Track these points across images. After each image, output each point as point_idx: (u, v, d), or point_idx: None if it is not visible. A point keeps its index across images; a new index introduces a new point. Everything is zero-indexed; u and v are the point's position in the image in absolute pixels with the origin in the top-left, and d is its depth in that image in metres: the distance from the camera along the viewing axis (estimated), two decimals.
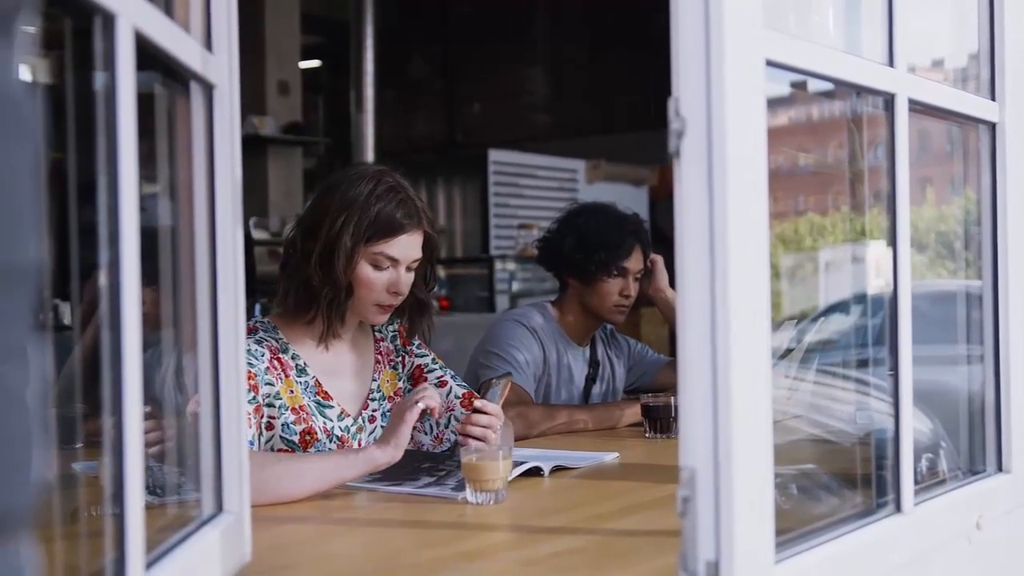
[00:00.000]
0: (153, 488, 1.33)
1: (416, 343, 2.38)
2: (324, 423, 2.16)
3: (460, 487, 1.87)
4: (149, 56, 1.09)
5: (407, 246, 2.16)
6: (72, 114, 1.07)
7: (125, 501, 0.99)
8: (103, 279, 1.00)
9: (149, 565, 1.07)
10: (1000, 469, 1.77)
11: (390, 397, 2.31)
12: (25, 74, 0.58)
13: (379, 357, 2.33)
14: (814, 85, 1.53)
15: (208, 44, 1.33)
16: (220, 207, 1.35)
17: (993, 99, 1.77)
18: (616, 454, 2.33)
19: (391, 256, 2.14)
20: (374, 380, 2.30)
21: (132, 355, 1.00)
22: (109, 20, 0.97)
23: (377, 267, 2.14)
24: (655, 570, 1.43)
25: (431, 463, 2.09)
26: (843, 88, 1.56)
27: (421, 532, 1.69)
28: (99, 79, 1.01)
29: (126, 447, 1.00)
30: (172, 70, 1.23)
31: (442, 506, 1.83)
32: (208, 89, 1.32)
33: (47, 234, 0.60)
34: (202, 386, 1.35)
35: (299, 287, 2.15)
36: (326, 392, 2.19)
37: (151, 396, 1.17)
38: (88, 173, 1.02)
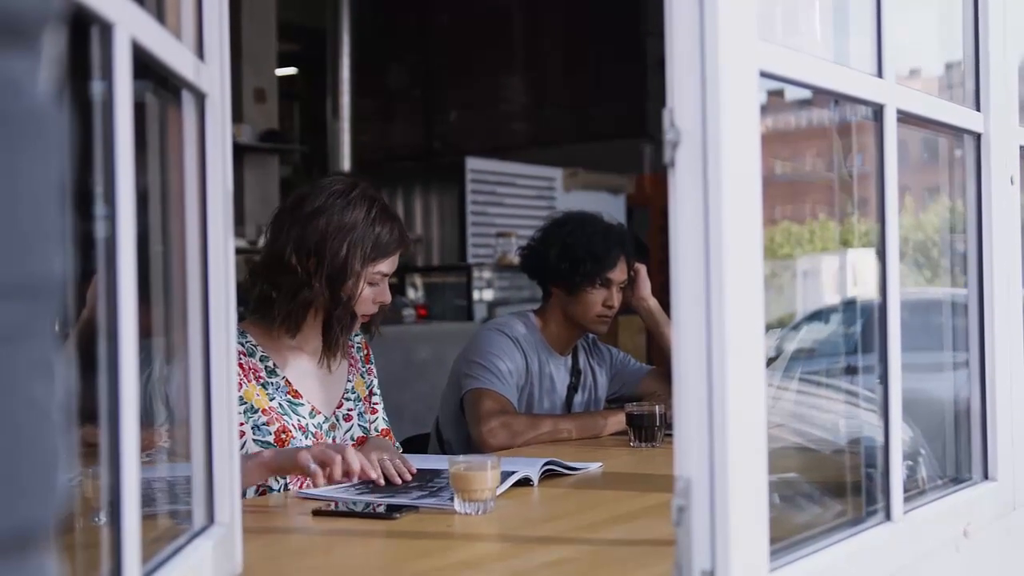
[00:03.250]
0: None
1: (367, 366, 2.48)
2: (298, 420, 2.23)
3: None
4: (142, 65, 1.09)
5: (395, 261, 2.30)
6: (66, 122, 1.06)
7: (122, 513, 0.98)
8: (100, 289, 0.99)
9: None
10: (986, 477, 1.78)
11: (364, 399, 2.41)
12: (51, 86, 0.58)
13: (352, 360, 2.42)
14: (791, 93, 1.54)
15: (200, 53, 1.32)
16: (211, 216, 1.34)
17: (978, 109, 1.78)
18: (600, 464, 2.33)
19: (385, 273, 2.28)
20: (349, 381, 2.38)
21: (128, 366, 0.99)
22: (107, 29, 0.96)
23: (371, 284, 2.26)
24: None
25: (420, 480, 2.08)
26: (822, 96, 1.57)
27: (410, 543, 1.68)
28: (95, 87, 1.00)
29: (122, 458, 0.99)
30: (164, 79, 1.23)
31: (430, 517, 1.82)
32: (200, 98, 1.32)
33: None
34: (193, 397, 1.34)
35: (302, 307, 2.22)
36: (296, 391, 2.26)
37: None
38: (80, 182, 1.01)
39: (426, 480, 2.09)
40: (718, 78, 1.13)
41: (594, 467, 2.30)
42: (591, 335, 3.14)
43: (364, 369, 2.45)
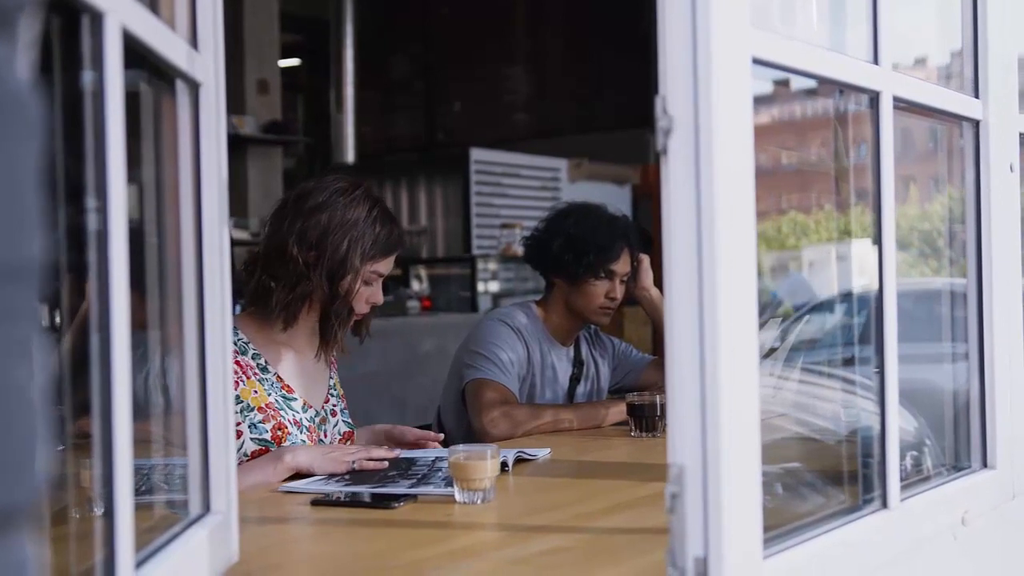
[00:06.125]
0: (137, 488, 1.32)
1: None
2: (293, 415, 2.26)
3: (450, 483, 1.87)
4: (134, 54, 1.09)
5: (391, 263, 2.33)
6: (57, 112, 1.06)
7: (115, 502, 0.99)
8: (91, 281, 0.99)
9: (138, 565, 1.06)
10: (985, 465, 1.78)
11: (342, 396, 2.46)
12: (28, 71, 0.58)
13: (332, 359, 2.45)
14: (796, 83, 1.53)
15: (194, 42, 1.32)
16: (206, 206, 1.34)
17: (976, 96, 1.77)
18: (548, 450, 2.35)
19: (381, 273, 2.30)
20: (331, 378, 2.43)
21: (121, 356, 0.99)
22: (97, 18, 0.97)
23: (366, 283, 2.29)
24: (643, 567, 1.43)
25: (397, 470, 2.09)
26: (828, 86, 1.56)
27: (409, 532, 1.68)
28: (86, 77, 1.00)
29: (115, 448, 0.99)
30: (158, 68, 1.23)
31: (429, 506, 1.82)
32: (194, 88, 1.32)
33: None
34: (188, 387, 1.34)
35: (300, 299, 2.25)
36: (288, 386, 2.29)
37: (135, 398, 1.17)
38: (72, 173, 1.01)
39: (405, 469, 2.09)
40: (710, 65, 1.13)
41: (542, 453, 2.33)
42: (593, 326, 3.14)
43: (336, 369, 2.50)
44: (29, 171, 0.56)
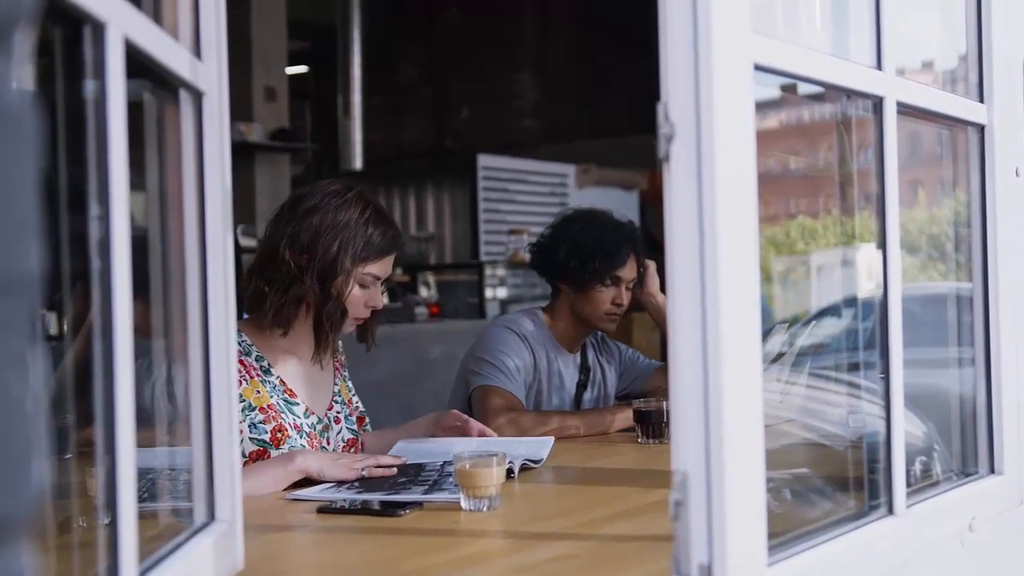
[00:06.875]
0: (142, 495, 1.33)
1: (345, 371, 2.51)
2: (293, 419, 2.26)
3: (458, 489, 1.86)
4: (138, 64, 1.09)
5: (389, 265, 2.32)
6: (60, 122, 1.07)
7: (118, 510, 0.99)
8: (94, 289, 0.99)
9: (142, 574, 1.06)
10: (992, 471, 1.78)
11: (347, 402, 2.44)
12: (24, 84, 0.58)
13: (337, 365, 2.45)
14: (803, 88, 1.53)
15: (197, 51, 1.32)
16: (210, 215, 1.34)
17: (981, 101, 1.77)
18: (551, 440, 2.37)
19: (377, 276, 2.29)
20: (335, 384, 2.42)
21: (124, 365, 1.00)
22: (99, 28, 0.97)
23: (362, 286, 2.28)
24: (649, 574, 1.43)
25: (406, 477, 2.09)
26: (832, 91, 1.56)
27: (415, 539, 1.68)
28: (88, 87, 1.00)
29: (118, 457, 0.99)
30: (161, 78, 1.23)
31: (436, 513, 1.82)
32: (197, 97, 1.32)
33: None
34: (193, 395, 1.34)
35: (293, 302, 2.24)
36: (291, 390, 2.29)
37: (141, 406, 1.17)
38: (75, 181, 1.02)
39: (414, 475, 2.09)
40: (711, 71, 1.13)
41: (547, 446, 2.33)
42: (600, 332, 3.13)
43: (345, 375, 2.49)
44: (26, 183, 0.56)
